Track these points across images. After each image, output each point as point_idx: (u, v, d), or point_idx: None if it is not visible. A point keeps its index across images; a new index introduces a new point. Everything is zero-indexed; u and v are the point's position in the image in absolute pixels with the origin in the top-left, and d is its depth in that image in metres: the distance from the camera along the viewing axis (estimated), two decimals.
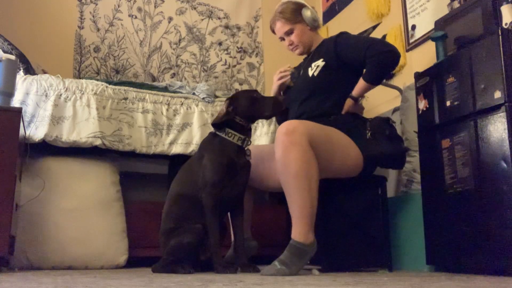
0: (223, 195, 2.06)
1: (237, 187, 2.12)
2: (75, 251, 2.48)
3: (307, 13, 2.41)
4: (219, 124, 2.12)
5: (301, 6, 2.44)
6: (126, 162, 3.02)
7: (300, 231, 1.91)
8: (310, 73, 2.33)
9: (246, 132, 2.15)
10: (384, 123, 2.28)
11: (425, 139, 2.28)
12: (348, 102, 2.28)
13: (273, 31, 2.53)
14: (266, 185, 2.34)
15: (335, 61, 2.30)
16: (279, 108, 2.17)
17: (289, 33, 2.44)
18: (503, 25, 2.03)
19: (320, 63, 2.32)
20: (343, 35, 2.36)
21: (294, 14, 2.42)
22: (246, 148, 2.14)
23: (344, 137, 2.18)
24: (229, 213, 2.20)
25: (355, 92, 2.27)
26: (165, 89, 3.03)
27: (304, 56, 2.54)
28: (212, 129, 2.18)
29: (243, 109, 2.12)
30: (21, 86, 2.63)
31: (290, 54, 2.79)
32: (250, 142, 2.17)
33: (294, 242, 1.91)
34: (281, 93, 2.49)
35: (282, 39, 2.49)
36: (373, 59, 2.18)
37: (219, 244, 2.04)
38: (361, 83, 2.25)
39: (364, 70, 2.24)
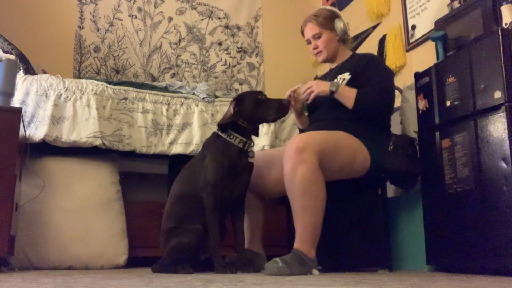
0: (224, 196, 2.06)
1: (239, 188, 2.12)
2: (75, 251, 2.48)
3: (339, 24, 2.41)
4: (225, 125, 2.12)
5: (335, 16, 2.45)
6: (126, 162, 3.01)
7: (302, 245, 1.97)
8: None
9: (249, 135, 2.15)
10: (408, 142, 2.29)
11: (425, 139, 2.28)
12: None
13: (302, 33, 2.52)
14: (269, 191, 2.34)
15: (360, 78, 2.31)
16: (284, 113, 2.17)
17: (316, 37, 2.44)
18: (503, 25, 2.03)
19: (347, 76, 2.32)
20: (375, 60, 2.38)
21: (327, 20, 2.42)
22: (249, 150, 2.14)
23: (353, 141, 2.19)
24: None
25: (341, 86, 2.23)
26: (165, 89, 3.03)
27: (323, 71, 2.58)
28: (215, 129, 2.18)
29: (247, 111, 2.11)
30: (21, 86, 2.63)
31: (290, 55, 2.79)
32: (253, 144, 2.18)
33: (297, 250, 1.96)
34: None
35: (309, 42, 2.49)
36: (375, 93, 2.22)
37: (219, 244, 2.04)
38: (352, 91, 2.22)
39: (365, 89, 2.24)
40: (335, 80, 2.34)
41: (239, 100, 2.14)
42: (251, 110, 2.12)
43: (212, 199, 2.03)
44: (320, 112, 2.36)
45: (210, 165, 2.07)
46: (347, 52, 2.49)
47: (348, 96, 2.20)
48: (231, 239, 2.18)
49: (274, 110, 2.13)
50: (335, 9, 2.54)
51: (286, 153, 2.04)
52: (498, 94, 1.88)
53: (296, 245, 1.97)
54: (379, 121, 2.30)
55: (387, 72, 2.37)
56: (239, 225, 2.17)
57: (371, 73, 2.28)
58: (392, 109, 2.38)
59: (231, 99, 2.99)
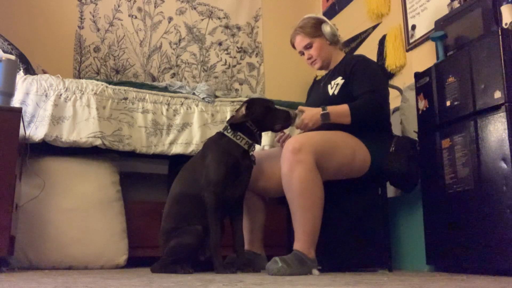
0: (225, 196, 2.07)
1: (239, 188, 2.13)
2: (75, 251, 2.48)
3: (326, 28, 2.41)
4: (235, 125, 2.14)
5: (321, 21, 2.45)
6: (126, 162, 3.02)
7: (302, 245, 1.97)
8: (330, 91, 2.32)
9: (254, 138, 2.16)
10: (410, 144, 2.29)
11: (425, 139, 2.28)
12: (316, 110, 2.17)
13: (293, 46, 2.53)
14: (270, 191, 2.34)
15: (351, 81, 2.29)
16: (288, 124, 2.19)
17: (308, 47, 2.45)
18: (503, 25, 2.03)
19: (340, 81, 2.31)
20: (363, 61, 2.34)
21: (313, 28, 2.43)
22: (251, 154, 2.15)
23: (353, 141, 2.18)
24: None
25: (331, 109, 2.16)
26: (165, 89, 3.03)
27: (323, 71, 2.56)
28: (215, 129, 2.19)
29: (257, 115, 2.14)
30: (21, 86, 2.63)
31: (290, 55, 2.79)
32: (254, 147, 2.19)
33: (296, 251, 1.96)
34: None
35: (302, 53, 2.50)
36: (366, 102, 2.18)
37: (219, 244, 2.05)
38: (343, 109, 2.17)
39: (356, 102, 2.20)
40: (327, 87, 2.35)
41: (251, 103, 2.17)
42: (261, 115, 2.15)
43: (214, 198, 2.04)
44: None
45: (213, 164, 2.08)
46: (340, 55, 2.49)
47: (342, 116, 2.16)
48: (231, 240, 2.18)
49: (281, 120, 2.17)
50: (319, 15, 2.56)
51: (283, 154, 2.05)
52: (498, 94, 1.88)
53: (296, 245, 1.98)
54: (379, 120, 2.29)
55: (376, 71, 2.33)
56: (238, 226, 2.17)
57: (359, 76, 2.27)
58: (389, 106, 2.36)
59: (231, 100, 3.06)
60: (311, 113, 2.16)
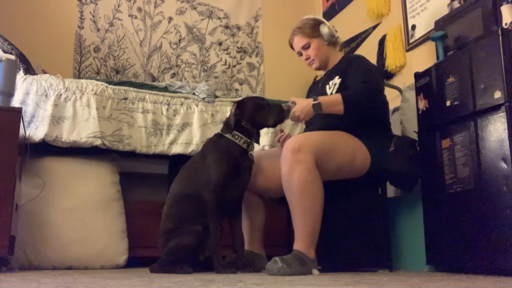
0: (225, 196, 2.07)
1: (239, 188, 2.14)
2: (75, 251, 2.48)
3: (324, 29, 2.42)
4: (230, 127, 2.14)
5: (319, 22, 2.45)
6: (126, 162, 3.01)
7: (302, 245, 1.97)
8: (328, 91, 2.32)
9: (252, 137, 2.17)
10: (410, 143, 2.30)
11: (425, 139, 2.28)
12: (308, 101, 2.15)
13: (291, 46, 2.54)
14: (270, 191, 2.34)
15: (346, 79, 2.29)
16: (283, 118, 2.17)
17: (306, 47, 2.45)
18: (503, 25, 2.03)
19: (337, 80, 2.31)
20: (359, 59, 2.34)
21: (311, 29, 2.43)
22: (250, 153, 2.15)
23: (352, 141, 2.19)
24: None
25: (322, 99, 2.13)
26: (165, 89, 3.03)
27: (322, 71, 2.56)
28: (215, 129, 2.19)
29: (248, 114, 2.15)
30: (21, 86, 2.63)
31: (290, 55, 2.79)
32: (254, 146, 2.20)
33: (297, 251, 1.96)
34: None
35: (300, 54, 2.50)
36: (359, 89, 2.16)
37: (219, 244, 2.05)
38: (336, 98, 2.14)
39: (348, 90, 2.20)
40: (325, 87, 2.35)
41: (241, 104, 2.17)
42: (252, 113, 2.15)
43: (215, 198, 2.04)
44: (315, 120, 2.36)
45: (213, 164, 2.08)
46: (338, 55, 2.49)
47: (334, 104, 2.13)
48: (231, 240, 2.18)
49: (274, 115, 2.15)
50: (317, 17, 2.57)
51: (282, 154, 2.06)
52: (498, 94, 1.88)
53: (296, 245, 1.98)
54: (378, 120, 2.29)
55: (370, 67, 2.32)
56: (238, 226, 2.18)
57: (353, 71, 2.27)
58: (385, 103, 2.35)
59: (231, 100, 3.06)
60: (303, 105, 2.14)
